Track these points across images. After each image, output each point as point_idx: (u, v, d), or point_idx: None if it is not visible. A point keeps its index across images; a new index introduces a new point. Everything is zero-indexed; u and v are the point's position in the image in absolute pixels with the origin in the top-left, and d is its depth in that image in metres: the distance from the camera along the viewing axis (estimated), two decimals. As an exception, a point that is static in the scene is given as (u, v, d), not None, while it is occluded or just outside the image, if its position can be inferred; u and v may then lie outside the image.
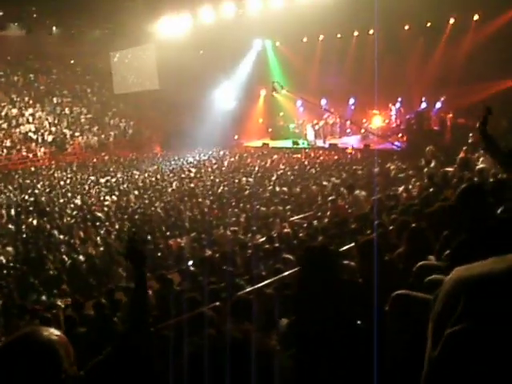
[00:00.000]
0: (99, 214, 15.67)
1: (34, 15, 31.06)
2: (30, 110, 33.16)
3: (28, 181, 23.78)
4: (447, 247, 3.29)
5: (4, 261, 11.82)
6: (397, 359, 2.28)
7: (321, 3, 22.08)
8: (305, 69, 28.19)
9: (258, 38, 30.84)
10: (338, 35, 26.93)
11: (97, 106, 36.18)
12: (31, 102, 33.86)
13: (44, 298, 9.53)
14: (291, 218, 12.76)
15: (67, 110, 34.59)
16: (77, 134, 32.98)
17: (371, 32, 24.66)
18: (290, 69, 28.81)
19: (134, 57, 35.75)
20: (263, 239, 9.91)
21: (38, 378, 1.51)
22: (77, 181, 23.17)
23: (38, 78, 35.88)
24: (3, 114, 32.01)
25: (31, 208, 17.50)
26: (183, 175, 22.25)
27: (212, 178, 20.72)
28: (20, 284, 10.24)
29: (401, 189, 11.64)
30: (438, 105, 22.19)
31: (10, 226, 15.40)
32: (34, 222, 15.66)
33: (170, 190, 19.22)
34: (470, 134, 14.10)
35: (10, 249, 12.83)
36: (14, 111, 32.63)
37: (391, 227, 6.49)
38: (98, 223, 14.65)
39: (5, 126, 31.28)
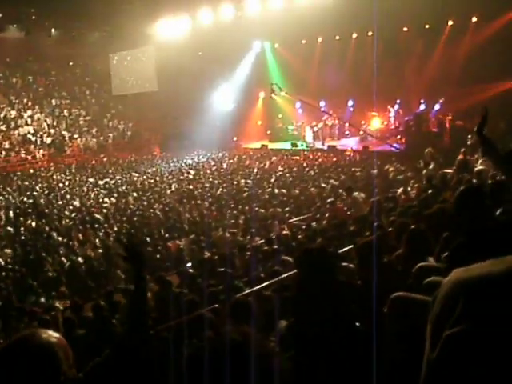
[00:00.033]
0: (98, 216, 15.65)
1: (33, 17, 31.07)
2: (29, 112, 33.14)
3: (27, 183, 23.75)
4: (447, 249, 3.29)
5: (2, 263, 11.79)
6: (395, 361, 2.28)
7: (320, 5, 22.13)
8: (304, 71, 28.21)
9: (256, 40, 30.87)
10: (337, 37, 26.96)
11: (95, 108, 36.17)
12: (30, 103, 33.84)
13: (43, 300, 9.51)
14: (290, 220, 12.76)
15: (66, 112, 34.57)
16: (75, 135, 32.96)
17: (370, 34, 24.72)
18: (288, 71, 28.84)
19: (133, 59, 35.76)
20: (262, 241, 9.89)
21: (37, 380, 1.51)
22: (75, 183, 23.15)
23: (37, 79, 35.86)
24: (2, 115, 31.98)
25: (30, 210, 17.48)
26: (182, 177, 22.25)
27: (211, 179, 20.71)
28: (18, 286, 10.21)
29: (399, 191, 11.65)
30: (437, 107, 22.23)
31: (8, 227, 15.37)
32: (33, 223, 15.64)
33: (168, 191, 19.21)
34: (469, 136, 14.14)
35: (8, 251, 12.80)
36: (13, 113, 32.60)
37: (390, 229, 6.49)
38: (96, 225, 14.62)
39: (3, 127, 31.25)
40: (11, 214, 17.28)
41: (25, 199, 19.79)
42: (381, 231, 6.53)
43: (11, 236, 14.46)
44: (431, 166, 13.02)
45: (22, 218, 16.29)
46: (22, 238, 14.00)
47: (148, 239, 12.35)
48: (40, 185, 23.00)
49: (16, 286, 10.23)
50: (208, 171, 23.23)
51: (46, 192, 21.04)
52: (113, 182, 22.51)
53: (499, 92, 19.69)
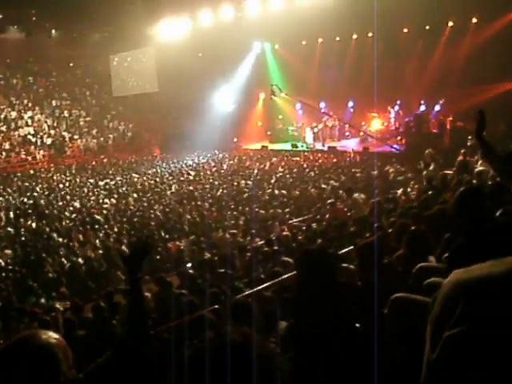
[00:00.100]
0: (98, 217, 15.65)
1: (34, 18, 31.12)
2: (29, 113, 33.16)
3: (27, 183, 23.75)
4: (448, 250, 3.30)
5: (3, 263, 11.79)
6: (395, 362, 2.28)
7: (320, 6, 22.13)
8: (304, 71, 28.22)
9: (257, 41, 30.89)
10: (337, 38, 26.97)
11: (96, 109, 36.18)
12: (30, 104, 33.86)
13: (43, 300, 9.51)
14: (290, 221, 12.76)
15: (66, 113, 34.59)
16: (76, 136, 32.97)
17: (370, 35, 24.74)
18: (289, 71, 28.85)
19: (134, 60, 35.79)
20: (262, 242, 9.90)
21: (36, 381, 1.51)
22: (76, 184, 23.14)
23: (38, 80, 35.89)
24: (2, 116, 32.01)
25: (30, 211, 17.48)
26: (182, 178, 22.25)
27: (211, 180, 20.71)
28: (19, 287, 10.21)
29: (400, 192, 11.65)
30: (437, 108, 22.25)
31: (8, 228, 15.37)
32: (33, 224, 15.64)
33: (169, 192, 19.21)
34: (469, 137, 14.12)
35: (8, 251, 12.80)
36: (13, 114, 32.63)
37: (390, 230, 6.49)
38: (97, 226, 14.62)
39: (4, 128, 31.27)
40: (11, 214, 17.28)
41: (25, 200, 19.79)
42: (381, 232, 6.53)
43: (11, 237, 14.46)
44: (431, 167, 13.02)
45: (22, 219, 16.29)
46: (23, 238, 14.00)
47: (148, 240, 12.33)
48: (40, 186, 23.00)
49: (16, 286, 10.23)
50: (208, 172, 23.23)
51: (47, 193, 21.04)
52: (113, 182, 22.51)
53: (499, 93, 19.70)
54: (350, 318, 2.52)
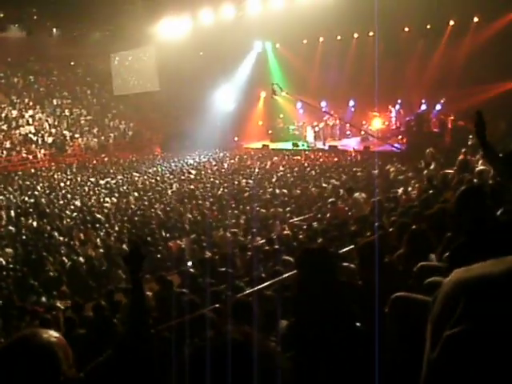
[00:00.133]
0: (99, 216, 15.66)
1: (35, 17, 31.12)
2: (30, 112, 33.17)
3: (28, 182, 23.76)
4: (449, 249, 3.30)
5: (4, 262, 11.81)
6: (396, 361, 2.28)
7: (321, 5, 22.11)
8: (305, 70, 28.21)
9: (257, 40, 30.86)
10: (338, 37, 26.96)
11: (97, 108, 36.18)
12: (31, 103, 33.87)
13: (44, 299, 9.52)
14: (291, 220, 12.77)
15: (67, 112, 34.59)
16: (77, 135, 32.98)
17: (371, 34, 24.73)
18: (290, 71, 28.84)
19: (135, 59, 35.79)
20: (263, 241, 9.91)
21: (36, 380, 1.51)
22: (77, 182, 23.16)
23: (38, 79, 35.89)
24: (3, 115, 32.02)
25: (31, 209, 17.49)
26: (183, 177, 22.25)
27: (212, 179, 20.71)
28: (20, 285, 10.23)
29: (400, 191, 11.65)
30: (438, 107, 22.24)
31: (9, 227, 15.39)
32: (34, 223, 15.66)
33: (169, 191, 19.22)
34: (470, 136, 14.12)
35: (9, 250, 12.82)
36: (14, 113, 32.64)
37: (391, 229, 6.50)
38: (97, 225, 14.63)
39: (5, 127, 31.28)
40: (12, 213, 17.29)
41: (26, 199, 19.81)
42: (382, 231, 6.53)
43: (12, 235, 14.48)
44: (432, 166, 13.03)
45: (23, 218, 16.31)
46: (23, 237, 14.02)
47: (149, 239, 12.36)
48: (41, 184, 23.01)
49: (17, 285, 10.25)
50: (209, 171, 23.24)
51: (47, 192, 21.06)
52: (114, 181, 22.52)
53: (500, 93, 19.69)
54: (350, 317, 2.52)
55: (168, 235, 13.26)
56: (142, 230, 13.67)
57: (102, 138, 33.62)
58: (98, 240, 13.20)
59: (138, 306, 2.34)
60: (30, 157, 29.71)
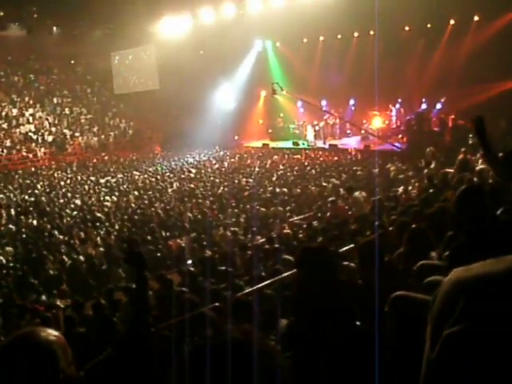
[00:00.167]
0: (99, 215, 15.67)
1: (35, 15, 31.12)
2: (31, 110, 33.18)
3: (28, 181, 23.77)
4: (449, 248, 3.30)
5: (4, 261, 11.81)
6: (395, 360, 2.29)
7: (321, 4, 22.12)
8: (305, 69, 28.20)
9: (258, 39, 30.84)
10: (339, 36, 26.94)
11: (97, 107, 36.19)
12: (31, 102, 33.88)
13: (44, 298, 9.53)
14: (291, 219, 12.77)
15: (67, 111, 34.60)
16: (77, 134, 32.99)
17: (371, 33, 24.68)
18: (290, 69, 28.84)
19: (135, 57, 35.78)
20: (263, 240, 9.91)
21: (36, 378, 1.51)
22: (77, 181, 23.17)
23: (39, 78, 35.89)
24: (3, 114, 32.03)
25: (31, 208, 17.50)
26: (183, 176, 22.25)
27: (212, 178, 20.71)
28: (20, 284, 10.23)
29: (400, 190, 11.65)
30: (439, 106, 22.22)
31: (10, 226, 15.40)
32: (34, 222, 15.67)
33: (170, 190, 19.22)
34: (470, 135, 14.12)
35: (9, 249, 12.83)
36: (15, 111, 32.65)
37: (391, 228, 6.49)
38: (97, 223, 14.64)
39: (5, 126, 31.29)
40: (12, 212, 17.30)
41: (26, 197, 19.83)
42: (382, 230, 6.53)
43: (12, 234, 14.49)
44: (432, 166, 13.03)
45: (23, 216, 16.31)
46: (24, 236, 14.03)
47: (149, 237, 12.37)
48: (41, 183, 23.03)
49: (17, 284, 10.25)
50: (209, 170, 23.24)
51: (48, 190, 21.07)
52: (114, 180, 22.54)
53: (500, 92, 19.68)
54: (350, 316, 2.52)
55: (168, 234, 13.25)
56: (142, 228, 13.68)
57: (103, 136, 33.62)
58: (98, 239, 13.20)
59: (140, 305, 2.34)
60: (31, 155, 29.73)
